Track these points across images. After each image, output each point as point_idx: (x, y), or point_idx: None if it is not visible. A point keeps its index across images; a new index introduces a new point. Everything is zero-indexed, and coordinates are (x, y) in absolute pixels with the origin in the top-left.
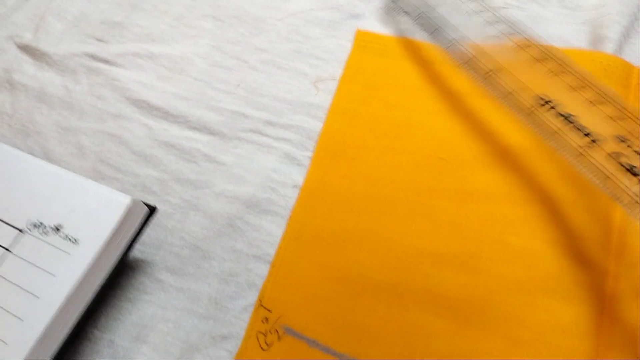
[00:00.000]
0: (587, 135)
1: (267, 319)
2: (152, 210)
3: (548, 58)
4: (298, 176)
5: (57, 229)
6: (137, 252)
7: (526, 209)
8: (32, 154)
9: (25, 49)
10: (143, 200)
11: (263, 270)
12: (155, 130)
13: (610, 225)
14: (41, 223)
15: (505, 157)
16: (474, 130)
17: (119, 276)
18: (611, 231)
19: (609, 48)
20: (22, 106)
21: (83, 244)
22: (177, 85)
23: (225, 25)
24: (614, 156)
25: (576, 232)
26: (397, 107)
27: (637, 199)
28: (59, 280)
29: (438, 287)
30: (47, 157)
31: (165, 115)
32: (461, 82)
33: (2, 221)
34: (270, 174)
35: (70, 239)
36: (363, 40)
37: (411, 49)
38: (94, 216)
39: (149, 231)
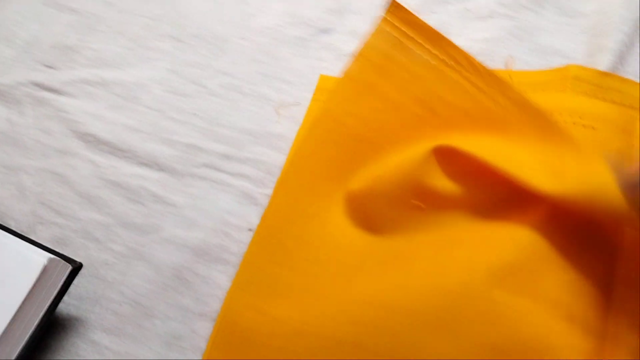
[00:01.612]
0: None
1: None
2: (77, 267)
3: None
4: (254, 218)
5: None
6: (71, 307)
7: (513, 257)
8: None
9: None
10: (83, 249)
11: (209, 330)
12: (102, 168)
13: (609, 277)
14: None
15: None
16: (454, 168)
17: (47, 337)
18: (611, 285)
19: (607, 60)
20: None
21: None
22: (129, 115)
23: (185, 46)
24: None
25: (570, 287)
26: (367, 142)
27: None
28: None
29: (412, 353)
30: None
31: (113, 150)
32: (441, 109)
33: None
34: (224, 216)
35: None
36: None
37: (387, 72)
38: (6, 279)
39: (85, 284)
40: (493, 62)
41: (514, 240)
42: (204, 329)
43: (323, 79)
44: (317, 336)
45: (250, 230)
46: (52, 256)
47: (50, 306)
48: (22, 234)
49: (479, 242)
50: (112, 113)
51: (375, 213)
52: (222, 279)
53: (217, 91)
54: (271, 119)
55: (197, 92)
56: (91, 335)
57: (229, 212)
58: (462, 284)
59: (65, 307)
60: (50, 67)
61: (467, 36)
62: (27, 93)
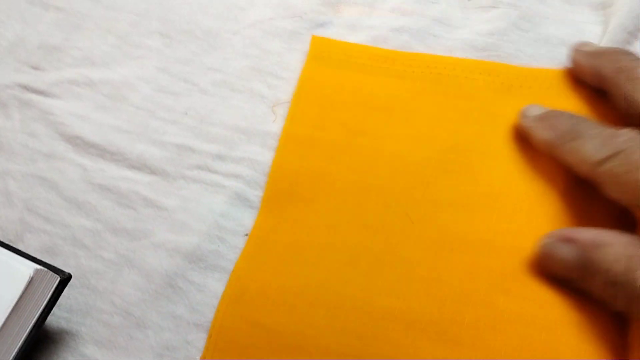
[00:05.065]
0: None
1: None
2: (65, 278)
3: None
4: (249, 221)
5: None
6: (61, 320)
7: (517, 260)
8: None
9: None
10: (74, 257)
11: (204, 342)
12: (90, 171)
13: None
14: None
15: (489, 197)
16: (454, 164)
17: (36, 352)
18: None
19: None
20: None
21: None
22: (117, 115)
23: (174, 43)
24: None
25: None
26: (361, 133)
27: None
28: None
29: None
30: None
31: (102, 152)
32: (440, 103)
33: None
34: (218, 219)
35: None
36: (319, 50)
37: (381, 60)
38: None
39: (75, 295)
40: (499, 56)
41: (517, 247)
42: (199, 341)
43: (316, 40)
44: (314, 349)
45: (246, 235)
46: (39, 267)
47: (38, 320)
48: (9, 243)
49: (479, 246)
50: (100, 114)
51: (368, 206)
52: (217, 287)
53: (208, 88)
54: (265, 117)
55: (188, 90)
56: (82, 349)
57: (222, 215)
58: (463, 291)
59: (55, 320)
60: (36, 68)
61: (470, 28)
62: (13, 95)
